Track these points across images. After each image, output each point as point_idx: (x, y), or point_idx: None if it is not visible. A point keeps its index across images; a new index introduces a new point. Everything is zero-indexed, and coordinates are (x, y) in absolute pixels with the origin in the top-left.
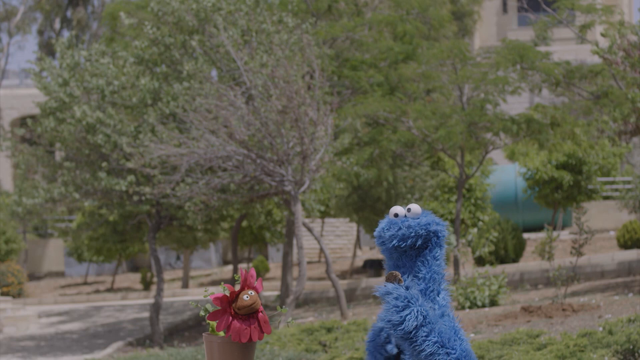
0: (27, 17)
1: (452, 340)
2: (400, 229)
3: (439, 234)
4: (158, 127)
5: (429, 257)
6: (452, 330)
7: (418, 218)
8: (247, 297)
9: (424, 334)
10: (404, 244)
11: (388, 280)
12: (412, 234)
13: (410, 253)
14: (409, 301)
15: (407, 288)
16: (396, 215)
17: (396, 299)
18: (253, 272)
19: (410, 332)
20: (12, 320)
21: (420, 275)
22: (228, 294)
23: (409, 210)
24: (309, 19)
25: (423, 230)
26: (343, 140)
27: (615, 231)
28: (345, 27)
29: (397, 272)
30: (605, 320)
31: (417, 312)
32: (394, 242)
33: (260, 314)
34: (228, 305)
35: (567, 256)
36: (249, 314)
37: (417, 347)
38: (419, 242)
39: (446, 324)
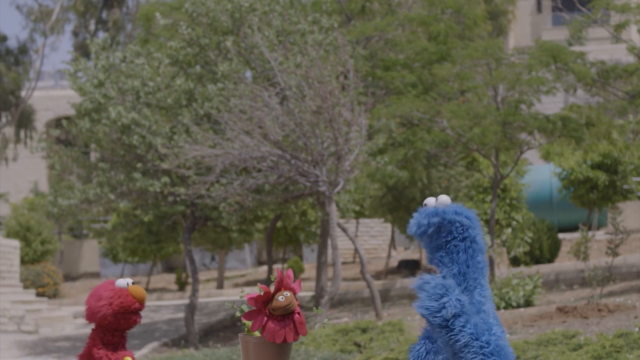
0: (61, 18)
1: (486, 334)
2: (420, 216)
3: (461, 224)
4: (193, 128)
5: (454, 251)
6: (486, 325)
7: (446, 207)
8: (282, 298)
9: (461, 323)
10: (419, 232)
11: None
12: (425, 222)
13: (436, 245)
14: (446, 289)
15: (443, 277)
16: (425, 205)
17: (434, 287)
18: (290, 272)
19: (449, 320)
20: (47, 320)
21: (448, 269)
22: (262, 294)
23: (436, 200)
24: (343, 19)
25: (436, 218)
26: (377, 141)
27: None
28: (378, 27)
29: (432, 266)
30: None
31: (456, 299)
32: (412, 230)
33: (297, 315)
34: (263, 306)
35: (602, 256)
36: (285, 315)
37: (452, 337)
38: (430, 230)
39: (482, 319)
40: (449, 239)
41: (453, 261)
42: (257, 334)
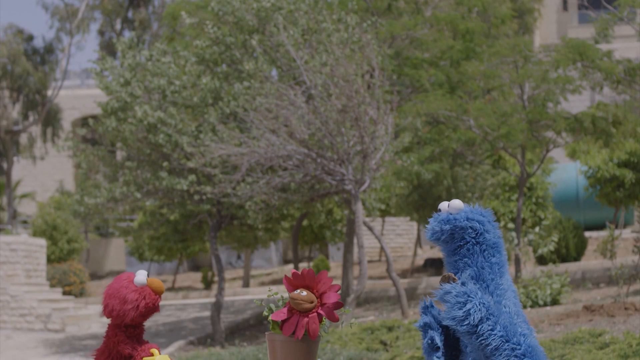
0: (87, 18)
1: (517, 334)
2: (433, 223)
3: (474, 229)
4: (219, 126)
5: (468, 255)
6: (514, 325)
7: (457, 213)
8: (298, 291)
9: (489, 327)
10: (432, 238)
11: (443, 282)
12: (438, 229)
13: (451, 250)
14: (468, 296)
15: (462, 284)
16: (439, 210)
17: (456, 296)
18: (325, 273)
19: (477, 326)
20: (74, 319)
21: (467, 273)
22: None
23: (449, 205)
24: (369, 18)
25: (448, 225)
26: (403, 139)
27: None
28: (405, 26)
29: (450, 273)
30: None
31: (479, 304)
32: (427, 235)
33: (307, 317)
34: (292, 291)
35: (629, 255)
36: (302, 312)
37: (483, 342)
38: (443, 237)
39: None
40: (462, 243)
41: (467, 265)
42: (277, 330)
